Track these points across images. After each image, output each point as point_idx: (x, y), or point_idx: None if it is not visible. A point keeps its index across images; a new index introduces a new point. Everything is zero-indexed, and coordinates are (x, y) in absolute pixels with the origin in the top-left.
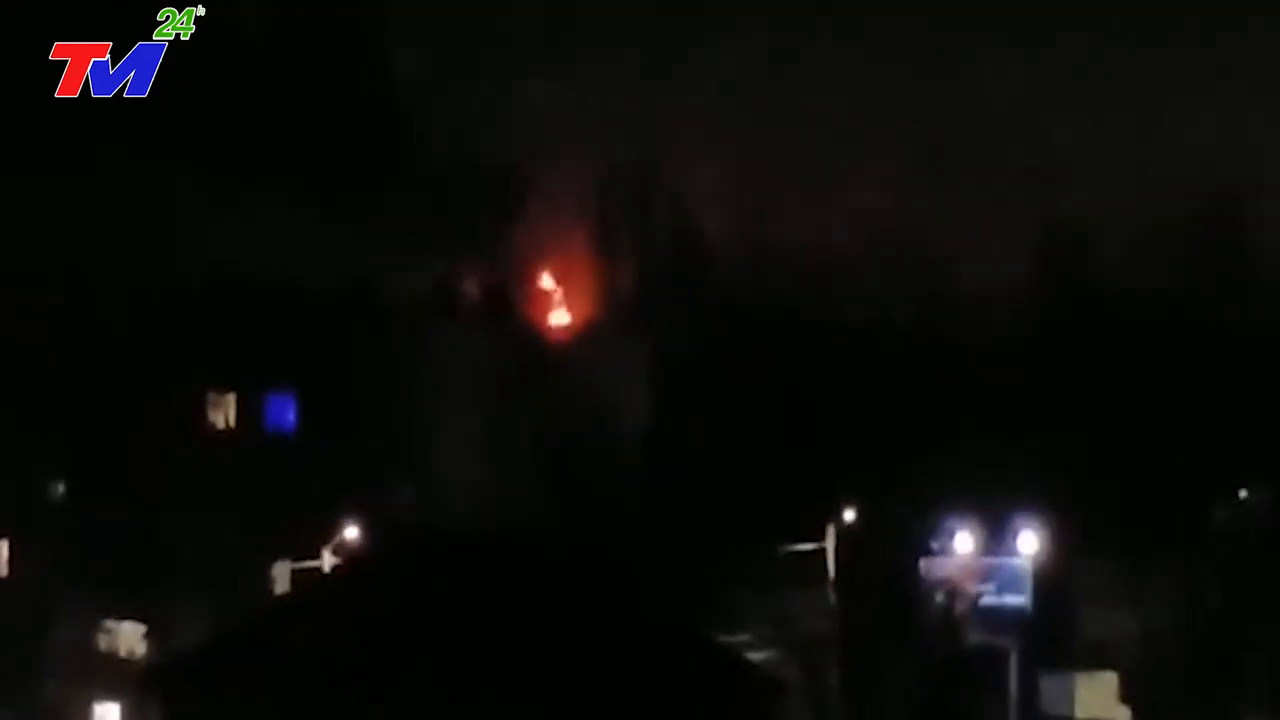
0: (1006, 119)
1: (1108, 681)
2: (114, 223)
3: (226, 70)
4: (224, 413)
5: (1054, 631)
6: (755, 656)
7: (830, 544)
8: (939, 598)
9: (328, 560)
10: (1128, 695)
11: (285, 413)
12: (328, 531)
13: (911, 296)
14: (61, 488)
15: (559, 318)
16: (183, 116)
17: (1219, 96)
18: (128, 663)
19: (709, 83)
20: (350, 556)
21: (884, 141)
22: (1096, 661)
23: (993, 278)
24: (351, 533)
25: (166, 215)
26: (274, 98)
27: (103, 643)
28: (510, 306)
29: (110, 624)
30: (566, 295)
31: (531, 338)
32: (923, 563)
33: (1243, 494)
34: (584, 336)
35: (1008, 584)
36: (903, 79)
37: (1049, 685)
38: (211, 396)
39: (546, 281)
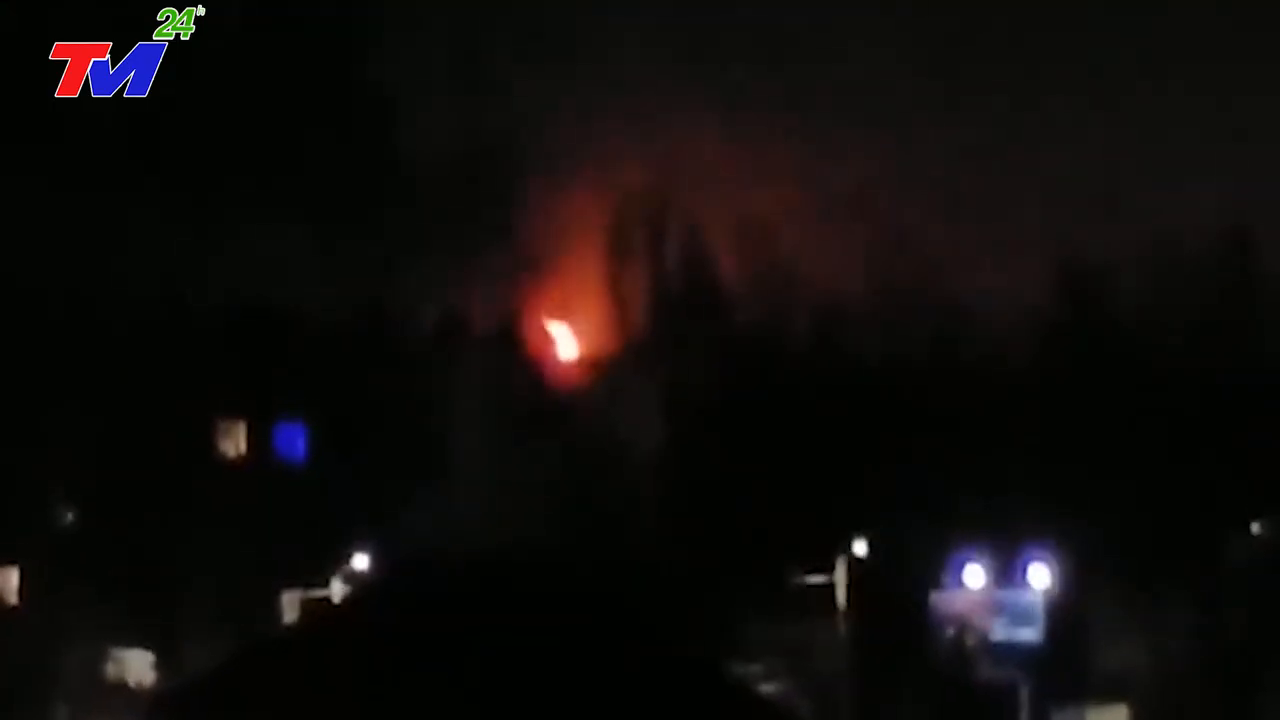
0: (1024, 148)
1: (1119, 715)
2: (125, 248)
3: (224, 87)
4: (234, 441)
5: (1066, 665)
6: (766, 688)
7: (841, 576)
8: (950, 631)
9: (338, 589)
10: None
11: (295, 441)
12: (338, 560)
13: (926, 327)
14: (71, 515)
15: (571, 349)
16: (185, 138)
17: (1239, 124)
18: (136, 691)
19: (724, 110)
20: (360, 585)
21: (901, 171)
22: (1109, 695)
23: (1008, 309)
24: (361, 561)
25: (176, 240)
26: (276, 120)
27: (111, 671)
28: (523, 337)
29: (119, 652)
30: (579, 327)
31: (544, 368)
32: (934, 595)
33: (1255, 527)
34: (597, 367)
35: (1019, 617)
36: (920, 106)
37: (1061, 719)
38: (221, 424)
39: (558, 313)
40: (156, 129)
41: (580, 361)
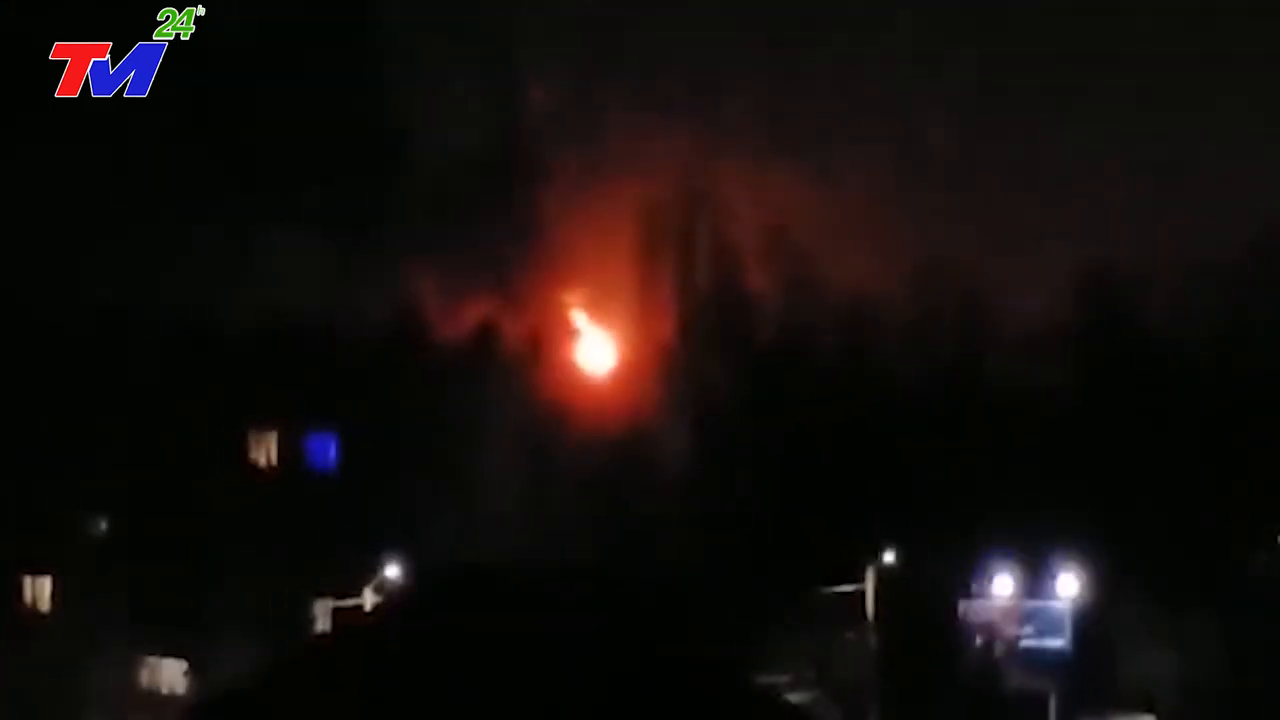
0: (1051, 158)
1: None
2: (157, 261)
3: (240, 91)
4: (265, 451)
5: (1093, 675)
6: (796, 698)
7: (870, 586)
8: (978, 640)
9: (369, 598)
10: None
11: (327, 451)
12: (369, 569)
13: (952, 339)
14: (104, 525)
15: (599, 357)
16: (203, 144)
17: (1267, 133)
18: (169, 699)
19: (755, 117)
20: (392, 594)
21: (927, 181)
22: (1136, 705)
23: (1037, 321)
24: (393, 570)
25: (208, 254)
26: (301, 126)
27: (144, 679)
28: (552, 345)
29: (152, 660)
30: (607, 336)
31: (571, 378)
32: (962, 605)
33: None
34: (624, 377)
35: (1047, 627)
36: (944, 118)
37: None
38: (253, 435)
39: (585, 320)
40: (175, 134)
41: (609, 371)
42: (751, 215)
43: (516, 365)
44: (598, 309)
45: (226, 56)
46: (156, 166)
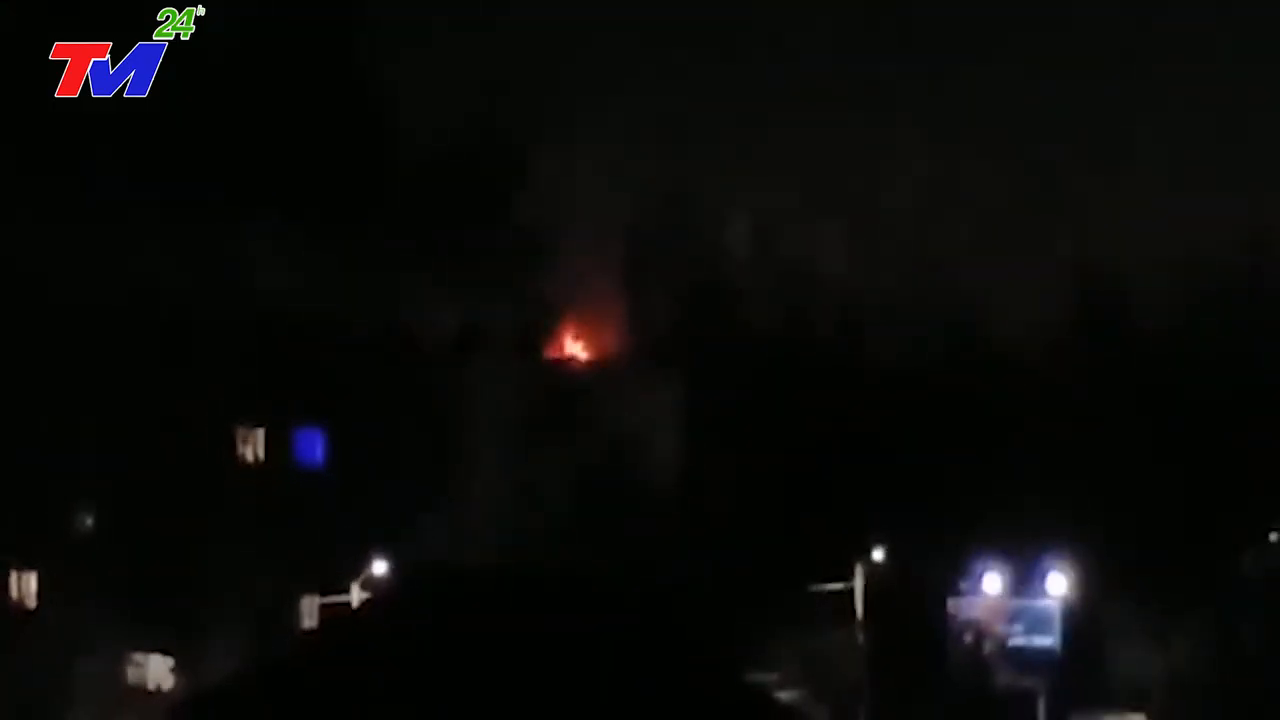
0: (1043, 156)
1: None
2: (145, 256)
3: (247, 98)
4: (253, 447)
5: (1082, 673)
6: (784, 696)
7: (859, 584)
8: (967, 638)
9: (356, 595)
10: None
11: (314, 448)
12: (356, 567)
13: (943, 338)
14: (90, 520)
15: (589, 355)
16: (197, 141)
17: (1257, 131)
18: (155, 696)
19: (741, 116)
20: (378, 592)
21: (917, 180)
22: (1125, 703)
23: (1025, 320)
24: (380, 568)
25: (197, 249)
26: (288, 124)
27: (131, 675)
28: (539, 344)
29: (138, 657)
30: (589, 330)
31: (561, 375)
32: (951, 603)
33: (1273, 536)
34: (614, 374)
35: (1036, 625)
36: (937, 115)
37: None
38: (240, 431)
39: (574, 320)
40: (165, 132)
41: (596, 368)
42: (745, 212)
43: (505, 362)
44: (586, 306)
45: (222, 56)
46: (150, 165)
